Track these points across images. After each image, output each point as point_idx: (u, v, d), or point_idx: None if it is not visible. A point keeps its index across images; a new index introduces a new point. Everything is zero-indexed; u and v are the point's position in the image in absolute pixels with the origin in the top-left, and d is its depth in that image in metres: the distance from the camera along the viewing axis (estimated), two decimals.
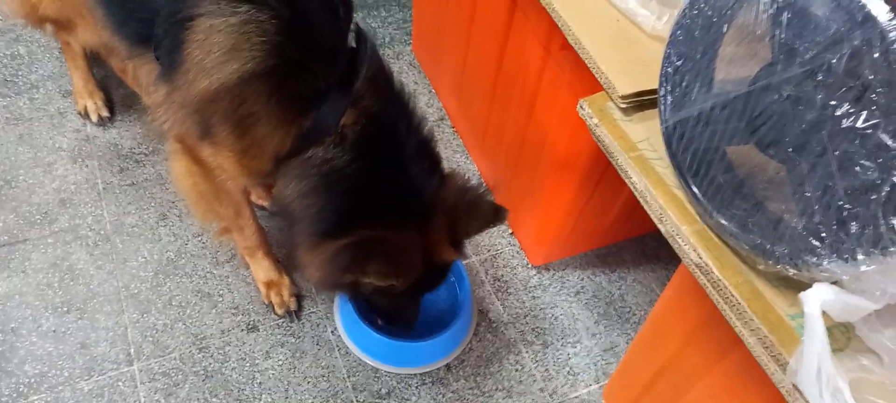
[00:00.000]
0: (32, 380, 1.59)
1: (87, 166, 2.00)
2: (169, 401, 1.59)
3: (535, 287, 1.88)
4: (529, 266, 1.91)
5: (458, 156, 2.15)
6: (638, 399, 1.50)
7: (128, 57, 1.52)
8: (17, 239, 1.82)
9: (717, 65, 0.97)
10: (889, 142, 0.71)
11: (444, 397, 1.66)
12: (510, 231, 1.98)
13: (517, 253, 1.94)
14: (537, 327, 1.80)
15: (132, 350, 1.66)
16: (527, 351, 1.76)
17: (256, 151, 1.33)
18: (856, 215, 0.76)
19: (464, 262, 1.84)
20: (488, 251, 1.94)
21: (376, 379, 1.67)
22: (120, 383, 1.61)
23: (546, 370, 1.73)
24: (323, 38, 1.27)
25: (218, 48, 1.22)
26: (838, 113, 0.76)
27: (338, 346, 1.72)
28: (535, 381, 1.71)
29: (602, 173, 1.53)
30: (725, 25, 0.91)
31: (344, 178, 1.30)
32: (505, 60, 1.74)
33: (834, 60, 0.76)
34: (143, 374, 1.63)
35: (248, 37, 1.20)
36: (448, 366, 1.70)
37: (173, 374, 1.63)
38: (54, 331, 1.67)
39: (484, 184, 1.48)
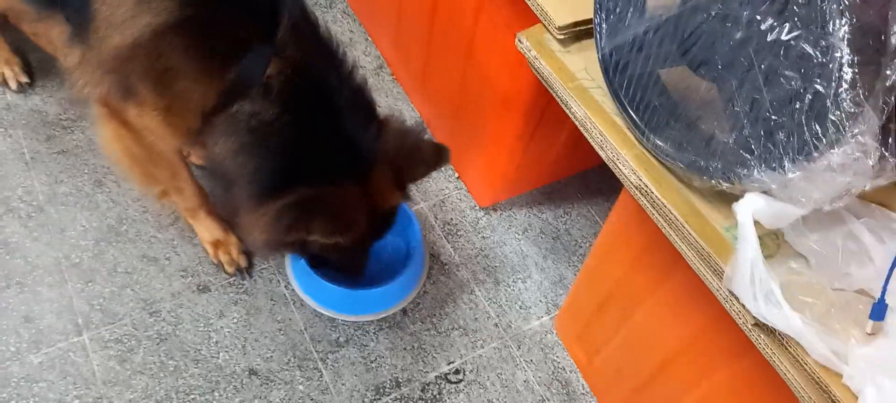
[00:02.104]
0: None
1: (10, 136, 1.91)
2: (124, 367, 1.57)
3: (484, 227, 1.91)
4: (477, 208, 1.94)
5: (399, 104, 2.14)
6: (587, 326, 1.56)
7: (36, 19, 1.45)
8: None
9: None
10: (810, 52, 0.75)
11: (401, 340, 1.69)
12: (457, 175, 2.00)
13: (465, 196, 1.96)
14: (488, 266, 1.84)
15: (80, 320, 1.62)
16: (479, 290, 1.80)
17: (181, 108, 1.29)
18: (781, 125, 0.80)
19: (413, 208, 1.85)
20: (436, 196, 1.96)
21: (334, 329, 1.69)
22: (71, 353, 1.58)
23: (499, 306, 1.77)
24: None
25: (127, 2, 1.18)
26: (763, 27, 0.79)
27: (292, 300, 1.72)
28: (489, 317, 1.75)
29: (543, 108, 1.56)
30: None
31: (274, 133, 1.27)
32: (440, 2, 1.73)
33: None
34: (94, 343, 1.59)
35: None
36: (404, 310, 1.73)
37: (126, 340, 1.61)
38: None
39: (422, 126, 1.47)
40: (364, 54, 2.24)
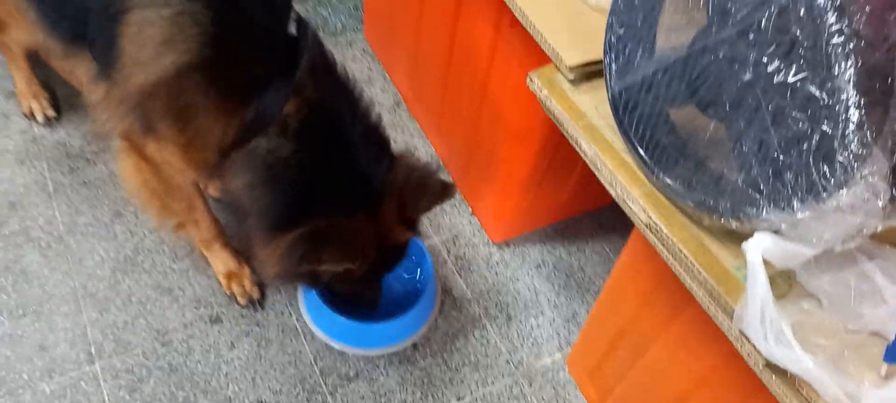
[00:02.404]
0: None
1: (35, 167, 1.95)
2: (134, 397, 1.58)
3: (496, 263, 1.91)
4: (490, 243, 1.95)
5: (415, 140, 2.16)
6: (600, 363, 1.55)
7: (64, 57, 1.49)
8: None
9: (658, 32, 1.00)
10: (816, 93, 0.75)
11: (411, 375, 1.68)
12: (470, 210, 2.01)
13: (478, 231, 1.97)
14: (500, 301, 1.83)
15: (93, 349, 1.64)
16: (491, 326, 1.79)
17: (200, 143, 1.32)
18: (789, 165, 0.80)
19: (426, 243, 1.86)
20: (449, 231, 1.96)
21: (344, 362, 1.68)
22: (82, 382, 1.59)
23: (511, 342, 1.76)
24: (259, 27, 1.27)
25: (152, 41, 1.21)
26: (770, 69, 0.80)
27: (303, 332, 1.72)
28: (500, 354, 1.74)
29: (556, 146, 1.56)
30: None
31: (289, 168, 1.30)
32: (456, 42, 1.75)
33: (763, 19, 0.79)
34: (105, 372, 1.61)
35: (182, 28, 1.19)
36: (415, 345, 1.73)
37: (137, 370, 1.62)
38: (10, 335, 1.63)
39: (435, 163, 1.49)
40: (382, 91, 2.28)
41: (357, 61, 2.34)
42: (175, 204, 1.57)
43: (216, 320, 1.72)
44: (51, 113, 2.05)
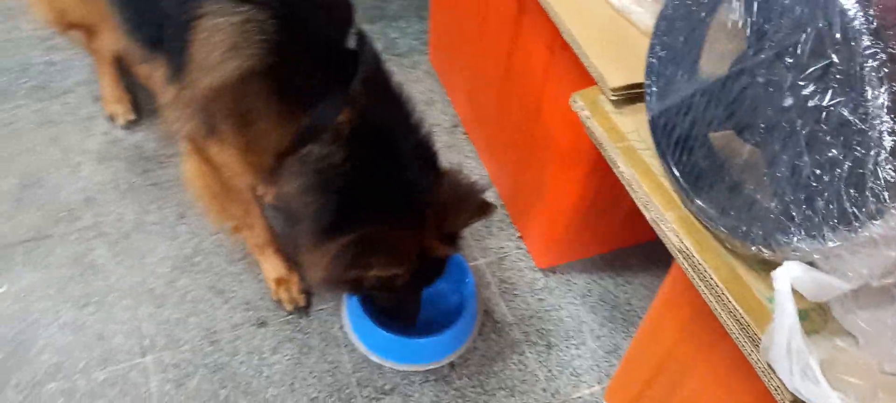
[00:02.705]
0: (49, 369, 1.65)
1: (112, 167, 2.08)
2: (179, 391, 1.64)
3: (541, 289, 1.89)
4: (536, 268, 1.93)
5: (469, 161, 2.18)
6: (638, 397, 1.50)
7: (143, 60, 1.59)
8: (42, 236, 1.90)
9: (703, 54, 0.99)
10: (850, 118, 0.73)
11: (446, 394, 1.68)
12: (518, 234, 2.00)
13: (524, 255, 1.96)
14: (542, 328, 1.81)
15: (146, 343, 1.72)
16: (531, 352, 1.77)
17: (258, 147, 1.38)
18: (822, 192, 0.77)
19: (471, 264, 1.86)
20: (495, 253, 1.96)
21: (380, 376, 1.70)
22: (133, 373, 1.66)
23: (549, 370, 1.74)
24: (321, 39, 1.33)
25: (220, 47, 1.28)
26: (805, 92, 0.78)
27: (344, 343, 1.75)
28: (538, 381, 1.72)
29: (605, 172, 1.54)
30: (705, 13, 0.93)
31: (340, 175, 1.34)
32: (513, 64, 1.77)
33: (800, 42, 0.77)
34: (155, 365, 1.68)
35: (249, 35, 1.26)
36: (452, 364, 1.72)
37: (184, 366, 1.68)
38: (73, 323, 1.73)
39: (484, 181, 1.50)
40: (441, 112, 2.32)
41: (420, 82, 2.39)
42: (232, 206, 1.64)
43: (262, 324, 1.78)
44: (131, 117, 2.19)
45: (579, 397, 1.69)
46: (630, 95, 1.17)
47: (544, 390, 1.70)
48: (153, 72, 1.59)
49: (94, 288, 1.81)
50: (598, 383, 1.72)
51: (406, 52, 2.50)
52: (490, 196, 1.47)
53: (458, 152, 2.20)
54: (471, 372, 1.72)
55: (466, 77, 2.12)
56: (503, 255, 1.96)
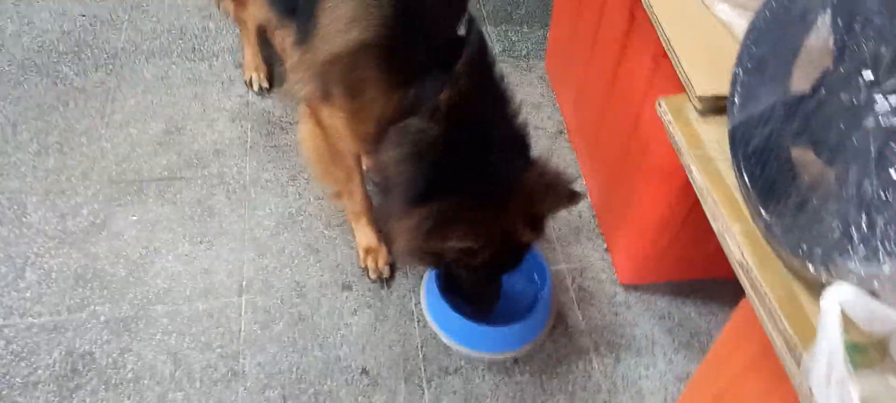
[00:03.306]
0: (160, 292, 1.85)
1: (241, 126, 2.29)
2: (264, 332, 1.78)
3: (619, 303, 1.87)
4: (617, 282, 1.91)
5: (568, 169, 2.19)
6: None
7: (278, 26, 1.76)
8: (175, 176, 2.12)
9: (794, 71, 0.96)
10: None
11: (506, 385, 1.70)
12: (605, 246, 1.98)
13: (608, 267, 1.94)
14: (613, 341, 1.79)
15: (244, 284, 1.88)
16: (597, 362, 1.75)
17: (364, 114, 1.49)
18: (883, 212, 0.73)
19: (553, 268, 1.88)
20: (579, 261, 1.96)
21: (447, 356, 1.75)
22: (228, 309, 1.83)
23: (613, 383, 1.71)
24: (432, 21, 1.41)
25: (342, 18, 1.40)
26: (878, 108, 0.75)
27: (418, 318, 1.82)
28: (599, 392, 1.70)
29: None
30: (796, 28, 0.91)
31: (434, 149, 1.41)
32: (619, 75, 1.77)
33: (878, 56, 0.74)
34: (247, 305, 1.83)
35: (368, 10, 1.37)
36: (516, 359, 1.75)
37: (272, 311, 1.82)
38: (186, 255, 1.93)
39: (572, 174, 1.51)
40: (548, 118, 2.34)
41: (533, 86, 2.43)
42: (337, 171, 1.76)
43: (347, 287, 1.89)
44: (265, 84, 2.40)
45: None
46: (717, 106, 1.15)
47: (605, 401, 1.68)
48: (285, 39, 1.75)
49: (208, 229, 2.00)
50: None
51: (524, 55, 2.54)
52: (578, 187, 1.48)
53: (559, 158, 2.21)
54: (534, 370, 1.73)
55: (576, 85, 2.13)
56: (586, 265, 1.95)
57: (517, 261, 1.55)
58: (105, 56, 2.48)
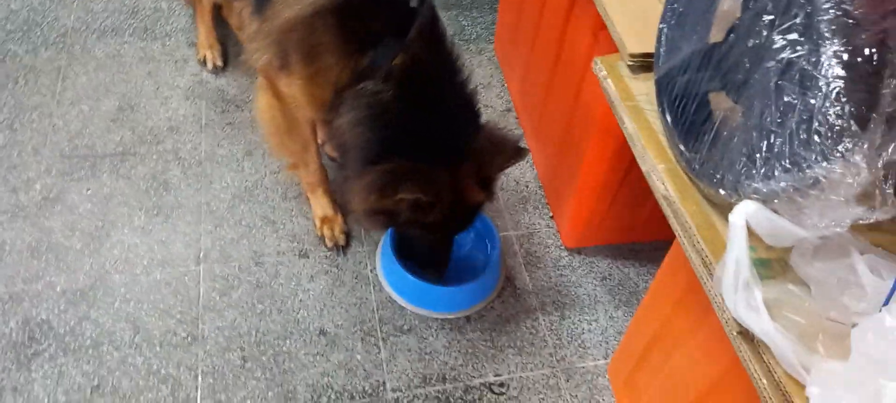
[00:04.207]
0: (117, 262, 1.87)
1: (196, 104, 2.32)
2: (223, 299, 1.82)
3: (564, 267, 1.98)
4: (562, 247, 2.02)
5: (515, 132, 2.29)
6: (634, 369, 1.57)
7: None
8: (129, 152, 2.14)
9: (712, 24, 1.08)
10: (807, 68, 0.81)
11: (458, 342, 1.79)
12: (550, 214, 2.09)
13: (553, 234, 2.05)
14: (558, 300, 1.90)
15: (201, 254, 1.92)
16: (544, 319, 1.86)
17: (321, 80, 1.55)
18: (778, 135, 0.85)
19: (501, 234, 1.98)
20: (526, 228, 2.06)
21: (401, 316, 1.83)
22: (186, 278, 1.86)
23: (559, 338, 1.82)
24: None
25: None
26: (776, 46, 0.86)
27: (373, 283, 1.89)
28: (545, 346, 1.80)
29: (633, 159, 1.63)
30: None
31: (387, 111, 1.49)
32: (562, 51, 1.88)
33: (777, 1, 0.86)
34: (206, 274, 1.87)
35: None
36: (468, 318, 1.84)
37: (231, 279, 1.87)
38: (143, 228, 1.96)
39: (517, 135, 1.60)
40: (497, 96, 2.45)
41: (482, 67, 2.53)
42: (293, 142, 1.82)
43: (304, 255, 1.94)
44: (219, 63, 2.43)
45: (583, 366, 1.77)
46: (646, 64, 1.26)
47: (551, 355, 1.79)
48: (243, 10, 1.80)
49: (164, 202, 2.03)
50: (604, 357, 1.79)
51: (473, 39, 2.65)
52: (524, 145, 1.58)
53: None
54: (484, 327, 1.83)
55: (522, 65, 2.24)
56: (533, 231, 2.06)
57: (468, 222, 1.64)
58: (55, 34, 2.47)
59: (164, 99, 2.32)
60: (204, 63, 2.44)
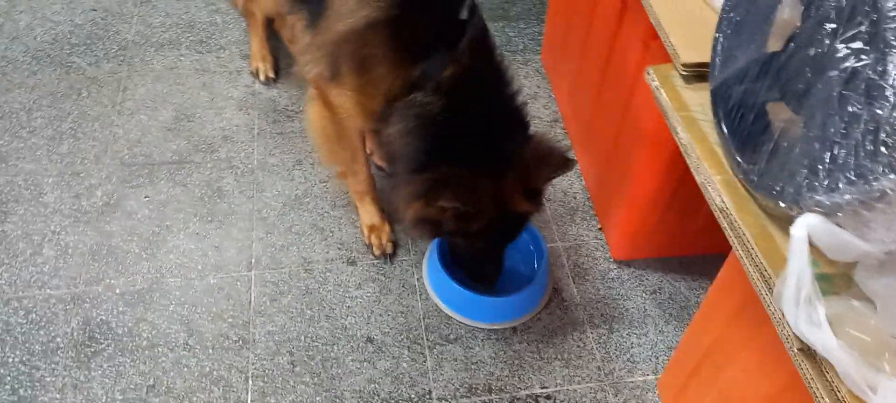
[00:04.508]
0: (172, 266, 1.93)
1: (248, 114, 2.38)
2: (273, 304, 1.86)
3: (613, 279, 1.96)
4: (611, 260, 2.00)
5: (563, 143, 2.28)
6: (685, 385, 1.54)
7: (290, 12, 1.85)
8: (185, 160, 2.21)
9: (770, 34, 1.06)
10: (872, 76, 0.78)
11: (504, 353, 1.78)
12: (599, 226, 2.07)
13: (602, 246, 2.03)
14: (606, 313, 1.88)
15: (253, 260, 1.96)
16: (592, 332, 1.84)
17: (372, 90, 1.58)
18: (842, 145, 0.82)
19: (549, 245, 1.96)
20: (574, 239, 2.05)
21: (447, 326, 1.84)
22: (238, 283, 1.91)
23: (607, 352, 1.80)
24: (437, 2, 1.51)
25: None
26: (840, 56, 0.84)
27: (420, 292, 1.90)
28: (593, 359, 1.78)
29: (684, 171, 1.60)
30: None
31: (435, 122, 1.51)
32: (611, 62, 1.87)
33: (839, 9, 0.84)
34: (257, 279, 1.91)
35: None
36: (514, 329, 1.83)
37: (280, 285, 1.91)
38: (197, 233, 2.01)
39: (565, 146, 1.60)
40: (544, 107, 2.44)
41: (529, 78, 2.53)
42: (343, 151, 1.85)
43: (352, 262, 1.97)
44: (271, 75, 2.49)
45: (632, 381, 1.74)
46: (700, 73, 1.24)
47: (599, 368, 1.76)
48: (296, 24, 1.85)
49: (218, 209, 2.08)
50: (653, 372, 1.76)
51: (520, 50, 2.65)
52: (572, 155, 1.57)
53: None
54: (531, 339, 1.82)
55: (570, 76, 2.23)
56: (581, 243, 2.04)
57: (515, 233, 1.64)
58: (116, 47, 2.56)
59: (219, 109, 2.38)
60: (256, 75, 2.50)
